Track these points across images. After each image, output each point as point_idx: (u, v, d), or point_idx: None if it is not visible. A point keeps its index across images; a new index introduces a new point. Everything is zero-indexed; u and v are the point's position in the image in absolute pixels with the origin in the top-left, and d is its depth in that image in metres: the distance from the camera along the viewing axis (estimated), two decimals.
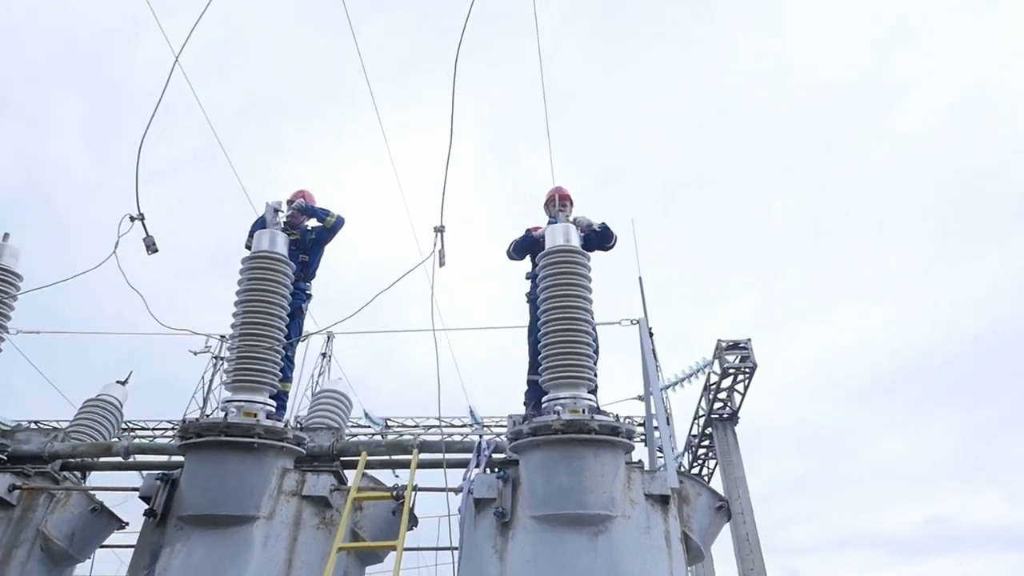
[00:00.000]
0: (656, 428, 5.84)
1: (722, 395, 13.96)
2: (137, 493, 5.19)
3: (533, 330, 5.82)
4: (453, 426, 20.56)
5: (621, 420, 4.92)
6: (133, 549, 5.00)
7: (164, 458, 5.89)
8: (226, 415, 4.97)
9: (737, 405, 14.19)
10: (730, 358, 13.70)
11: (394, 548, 4.61)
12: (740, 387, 13.97)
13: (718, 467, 14.13)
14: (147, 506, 4.98)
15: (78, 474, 6.12)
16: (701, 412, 14.71)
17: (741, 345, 13.85)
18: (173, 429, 20.08)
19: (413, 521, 5.59)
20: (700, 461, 16.01)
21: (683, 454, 15.52)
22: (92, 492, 5.68)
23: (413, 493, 5.02)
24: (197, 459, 4.93)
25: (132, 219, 5.74)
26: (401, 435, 20.31)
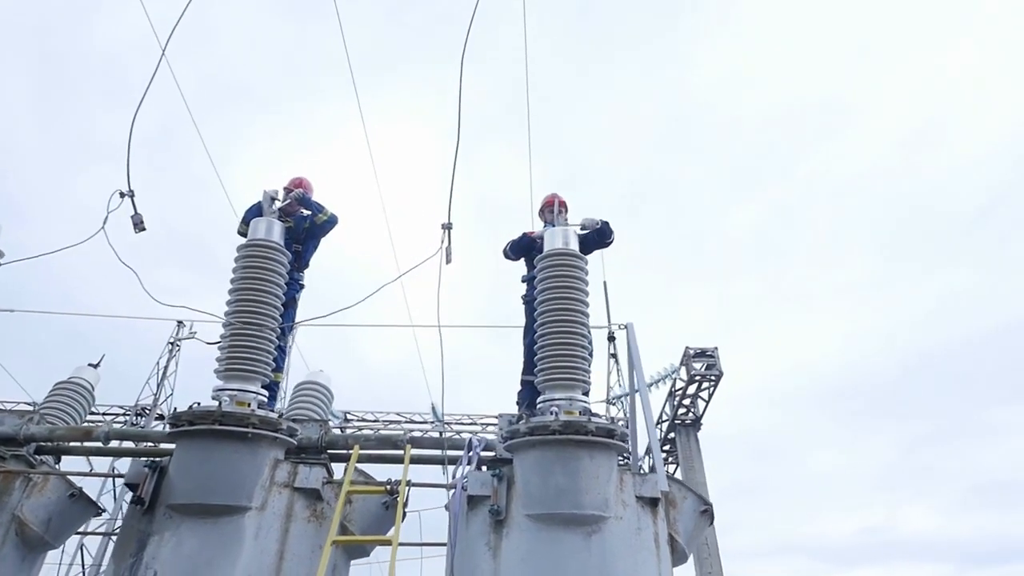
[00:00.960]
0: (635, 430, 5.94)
1: (686, 401, 14.25)
2: (111, 479, 5.10)
3: (528, 331, 5.89)
4: (414, 422, 20.54)
5: (617, 423, 5.02)
6: (116, 537, 4.91)
7: (147, 445, 5.78)
8: (220, 404, 4.91)
9: (700, 411, 14.49)
10: (697, 365, 13.97)
11: (389, 543, 4.62)
12: (704, 394, 14.28)
13: (679, 471, 14.41)
14: (131, 493, 4.91)
15: (52, 458, 5.96)
16: (665, 417, 14.97)
17: (708, 353, 14.14)
18: (126, 415, 19.62)
19: (402, 515, 5.60)
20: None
21: (644, 457, 15.76)
22: (71, 477, 5.54)
23: (407, 488, 5.03)
24: (189, 447, 4.86)
25: (122, 195, 5.63)
26: (360, 428, 20.17)
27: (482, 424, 19.13)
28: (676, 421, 14.55)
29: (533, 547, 4.63)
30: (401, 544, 4.72)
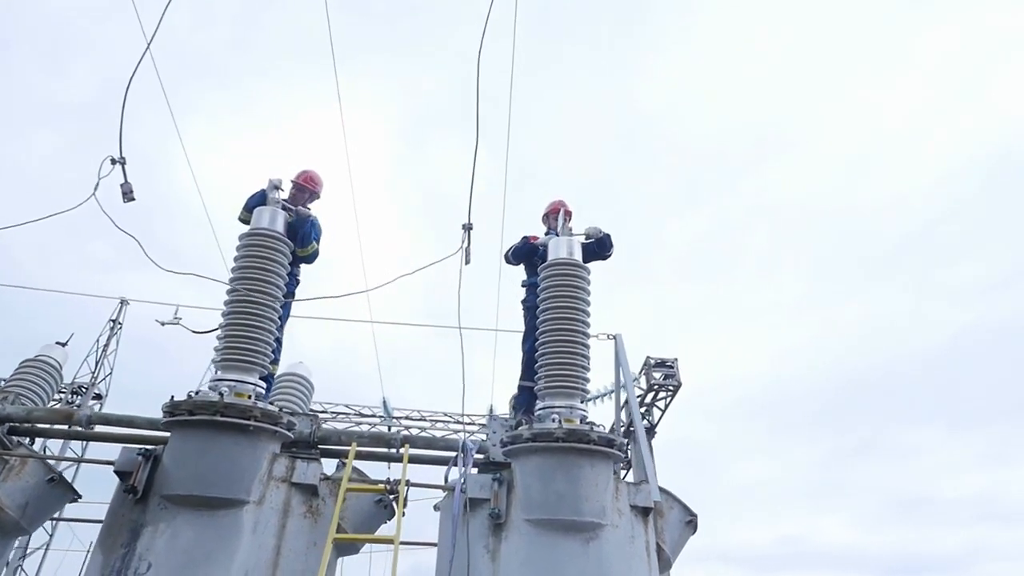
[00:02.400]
0: (642, 440, 6.09)
1: (642, 409, 14.55)
2: (93, 464, 4.96)
3: (528, 337, 5.96)
4: (363, 415, 20.32)
5: (616, 433, 5.14)
6: (101, 525, 4.78)
7: (130, 431, 5.61)
8: (222, 395, 4.82)
9: (656, 420, 14.83)
10: (656, 375, 14.30)
11: (391, 542, 4.64)
12: (661, 403, 14.62)
13: (630, 478, 14.67)
14: (120, 481, 4.79)
15: (26, 439, 5.74)
16: (621, 424, 15.24)
17: (668, 364, 14.51)
18: (61, 392, 18.83)
19: (391, 512, 5.60)
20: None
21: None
22: (50, 461, 5.34)
23: (406, 488, 5.04)
24: (187, 437, 4.76)
25: (113, 162, 5.45)
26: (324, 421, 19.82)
27: (431, 420, 19.09)
28: (631, 429, 14.83)
29: (532, 551, 4.71)
30: (403, 543, 4.75)
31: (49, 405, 6.67)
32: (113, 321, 20.42)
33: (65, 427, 5.51)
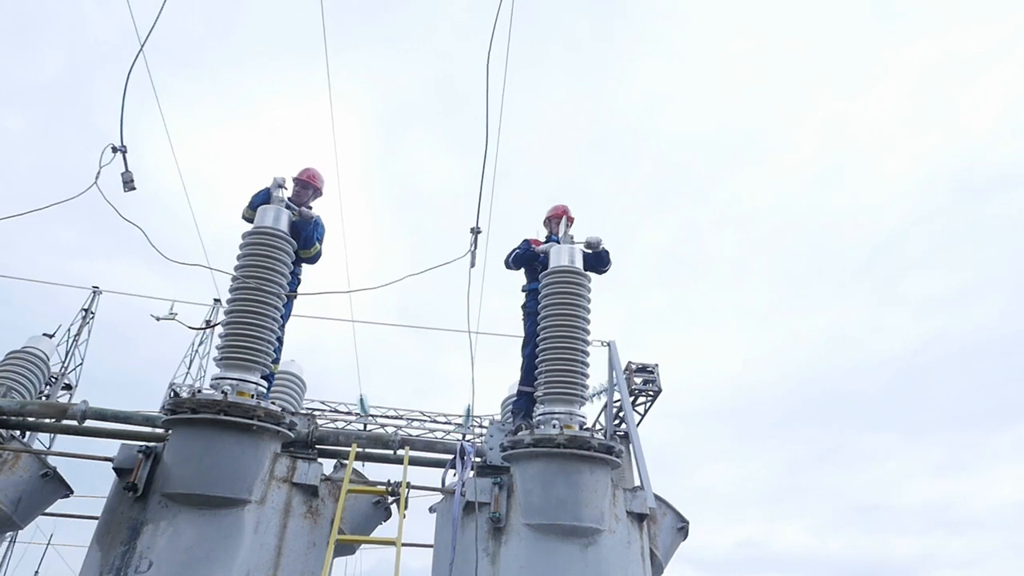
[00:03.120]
0: (639, 448, 6.18)
1: (622, 414, 14.69)
2: (86, 460, 4.93)
3: (528, 342, 6.01)
4: (339, 412, 20.18)
5: (615, 440, 5.23)
6: (98, 522, 4.74)
7: (123, 427, 5.57)
8: (225, 394, 4.81)
9: (636, 423, 15.01)
10: (637, 380, 14.46)
11: (393, 544, 4.67)
12: (641, 408, 14.80)
13: None
14: (118, 477, 4.76)
15: (17, 433, 5.66)
16: (599, 427, 15.42)
17: (648, 369, 14.66)
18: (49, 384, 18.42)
19: (388, 513, 5.63)
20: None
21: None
22: (45, 456, 5.28)
23: (407, 490, 5.07)
24: (190, 435, 4.73)
25: (114, 150, 5.40)
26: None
27: (408, 419, 19.03)
28: (617, 433, 14.97)
29: (532, 556, 4.78)
30: (405, 545, 4.79)
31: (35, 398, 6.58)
32: (85, 310, 20.06)
33: (58, 422, 5.44)
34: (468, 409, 18.98)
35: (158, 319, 6.33)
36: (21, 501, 5.07)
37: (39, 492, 5.19)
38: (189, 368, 20.21)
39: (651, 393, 14.78)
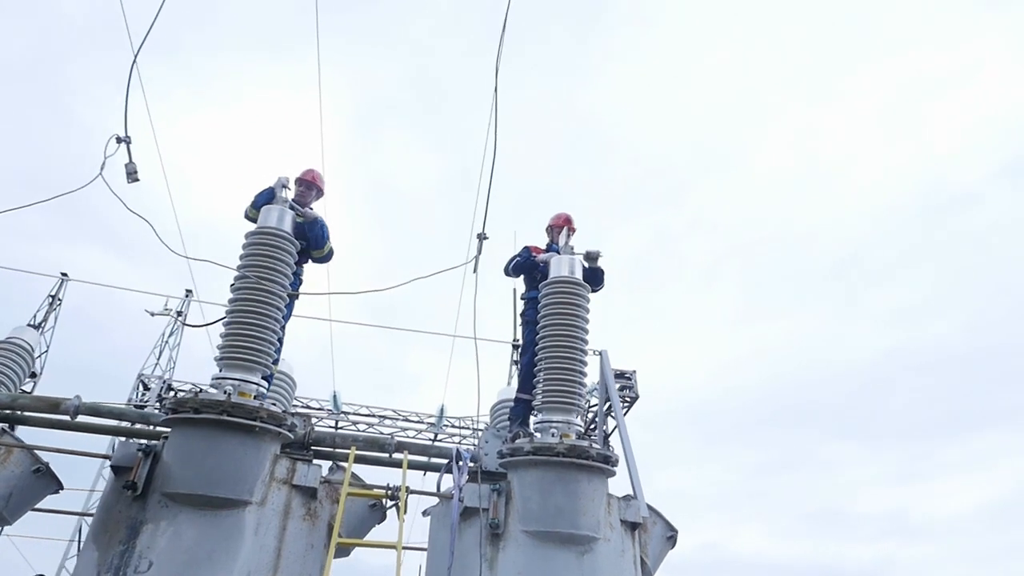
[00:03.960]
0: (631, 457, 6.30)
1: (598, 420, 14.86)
2: (76, 456, 4.89)
3: (527, 351, 6.09)
4: (311, 408, 20.04)
5: (611, 450, 5.33)
6: (93, 520, 4.70)
7: (114, 423, 5.51)
8: (229, 395, 4.80)
9: (610, 431, 15.16)
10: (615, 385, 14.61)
11: (394, 547, 4.71)
12: None
13: None
14: (115, 475, 4.73)
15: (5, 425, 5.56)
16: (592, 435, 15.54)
17: (626, 375, 14.83)
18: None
19: (382, 516, 5.66)
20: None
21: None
22: (37, 451, 5.20)
23: (407, 494, 5.11)
24: (192, 435, 4.71)
25: (119, 140, 5.37)
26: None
27: (379, 416, 18.98)
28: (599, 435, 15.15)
29: (530, 562, 4.86)
30: (405, 548, 4.83)
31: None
32: (52, 297, 19.61)
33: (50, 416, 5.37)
34: (441, 409, 19.03)
35: (152, 315, 6.22)
36: (12, 497, 4.99)
37: (30, 488, 5.12)
38: (158, 359, 19.91)
39: (628, 400, 14.99)
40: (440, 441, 19.23)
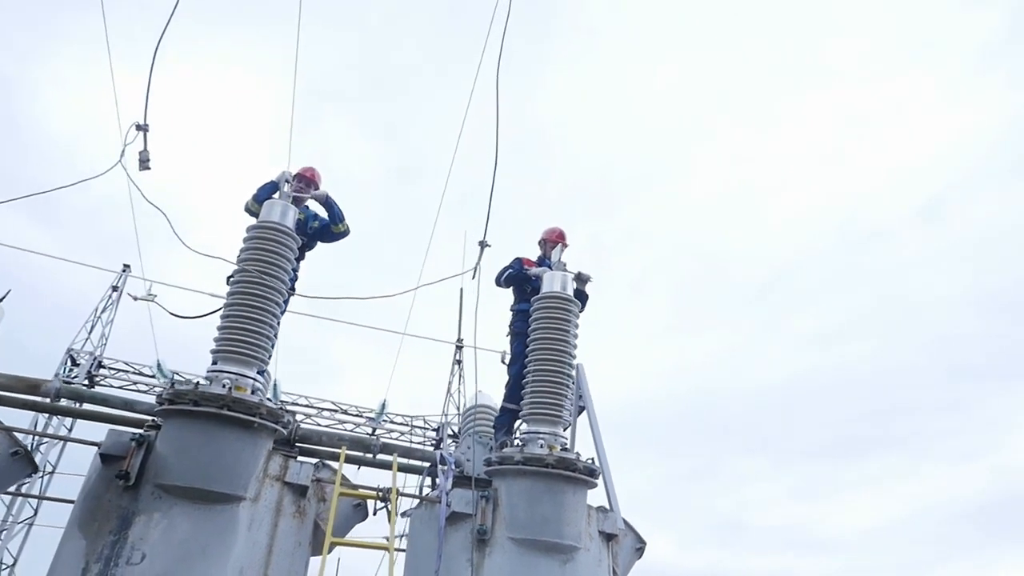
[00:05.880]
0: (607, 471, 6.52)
1: None
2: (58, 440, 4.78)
3: (515, 362, 6.24)
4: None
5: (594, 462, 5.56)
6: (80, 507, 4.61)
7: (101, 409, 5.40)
8: (229, 389, 4.79)
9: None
10: None
11: (386, 548, 4.80)
12: None
13: None
14: (103, 463, 4.66)
15: None
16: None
17: None
18: None
19: (365, 515, 5.72)
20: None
21: None
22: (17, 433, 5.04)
23: (397, 497, 5.20)
24: (189, 428, 4.68)
25: (138, 128, 5.30)
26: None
27: (318, 408, 18.77)
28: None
29: (515, 569, 5.03)
30: (396, 550, 4.93)
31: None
32: None
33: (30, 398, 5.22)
34: (383, 404, 18.95)
35: (135, 299, 6.01)
36: None
37: (7, 471, 4.95)
38: (89, 334, 19.09)
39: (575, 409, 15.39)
40: (378, 436, 19.18)
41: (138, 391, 16.74)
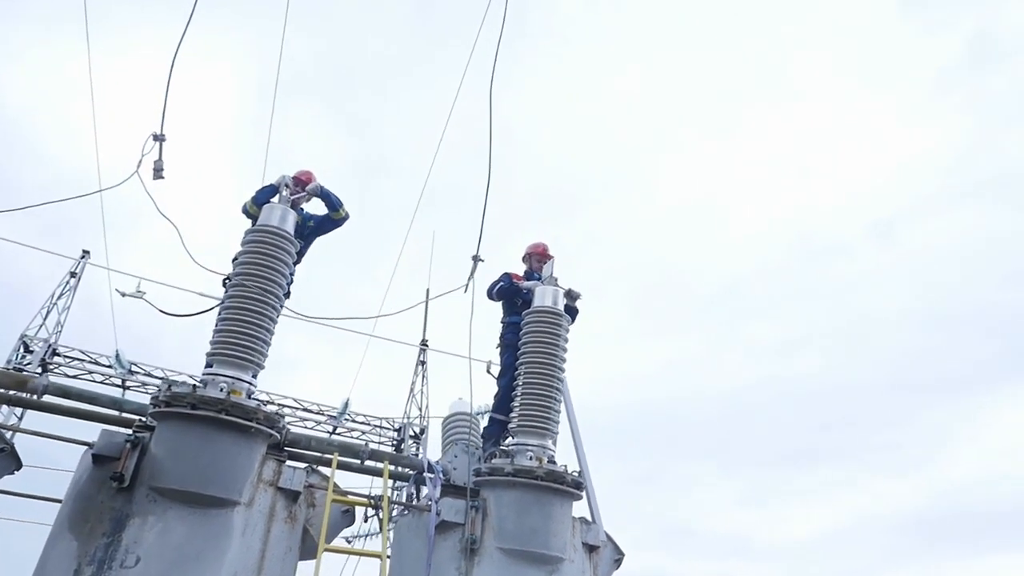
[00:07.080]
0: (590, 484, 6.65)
1: None
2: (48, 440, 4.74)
3: (505, 374, 6.34)
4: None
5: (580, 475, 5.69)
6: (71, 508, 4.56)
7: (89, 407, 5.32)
8: (228, 393, 4.79)
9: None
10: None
11: (379, 556, 4.86)
12: None
13: None
14: (95, 464, 4.61)
15: None
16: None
17: None
18: None
19: (352, 520, 5.75)
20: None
21: None
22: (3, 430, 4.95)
23: (389, 504, 5.25)
24: (185, 431, 4.66)
25: (155, 138, 5.30)
26: (147, 384, 18.46)
27: (279, 404, 18.56)
28: None
29: None
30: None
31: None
32: None
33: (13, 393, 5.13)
34: (346, 403, 18.82)
35: (123, 295, 5.86)
36: None
37: None
38: (44, 320, 18.53)
39: None
40: (340, 434, 19.05)
41: (93, 381, 16.38)
